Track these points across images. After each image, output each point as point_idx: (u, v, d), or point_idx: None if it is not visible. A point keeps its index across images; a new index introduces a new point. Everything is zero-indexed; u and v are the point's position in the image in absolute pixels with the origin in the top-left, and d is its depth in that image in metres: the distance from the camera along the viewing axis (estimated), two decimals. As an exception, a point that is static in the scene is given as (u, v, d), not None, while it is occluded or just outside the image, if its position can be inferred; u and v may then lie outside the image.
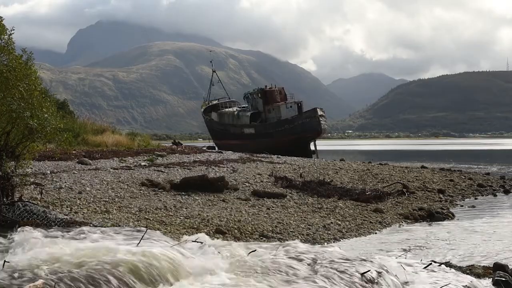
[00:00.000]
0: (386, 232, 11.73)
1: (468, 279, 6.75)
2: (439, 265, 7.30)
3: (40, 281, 4.44)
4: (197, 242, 6.82)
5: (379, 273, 5.91)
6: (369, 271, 5.79)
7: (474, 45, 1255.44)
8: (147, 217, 10.12)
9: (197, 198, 12.82)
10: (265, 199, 13.75)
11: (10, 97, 7.16)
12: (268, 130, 45.70)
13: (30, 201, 8.11)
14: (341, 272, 5.68)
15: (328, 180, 17.88)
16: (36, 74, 7.80)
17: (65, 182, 12.58)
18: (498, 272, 7.31)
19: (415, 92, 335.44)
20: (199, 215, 10.90)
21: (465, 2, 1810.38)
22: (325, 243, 10.02)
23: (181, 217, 10.51)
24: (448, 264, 7.61)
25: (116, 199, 11.48)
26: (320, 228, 11.20)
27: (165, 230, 9.01)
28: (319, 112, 43.18)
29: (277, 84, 52.01)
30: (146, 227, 7.96)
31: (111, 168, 16.23)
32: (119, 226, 8.02)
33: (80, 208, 10.00)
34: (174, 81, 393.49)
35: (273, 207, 12.87)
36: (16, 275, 4.68)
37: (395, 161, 36.42)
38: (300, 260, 6.06)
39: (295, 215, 12.26)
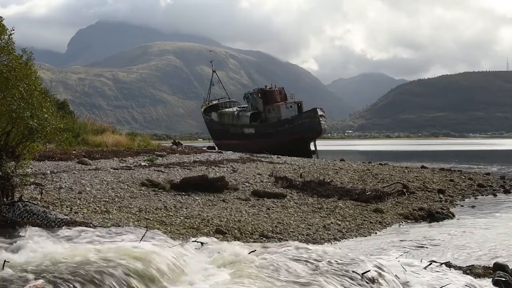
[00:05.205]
0: (386, 232, 11.73)
1: (468, 279, 6.75)
2: (439, 265, 7.31)
3: (40, 281, 4.44)
4: (197, 242, 6.83)
5: (379, 273, 5.91)
6: (369, 271, 5.79)
7: (475, 45, 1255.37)
8: (147, 217, 10.12)
9: (197, 198, 12.82)
10: (265, 199, 13.75)
11: (10, 97, 7.15)
12: (268, 130, 45.68)
13: (30, 201, 8.10)
14: (341, 272, 5.68)
15: (328, 180, 17.87)
16: (36, 74, 7.79)
17: (65, 182, 12.58)
18: (498, 272, 7.31)
19: (415, 92, 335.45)
20: (199, 215, 10.90)
21: (466, 1, 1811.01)
22: (325, 243, 10.03)
23: (181, 217, 10.51)
24: (448, 264, 7.61)
25: (116, 199, 11.48)
26: (320, 228, 11.21)
27: (165, 230, 9.01)
28: (319, 112, 43.16)
29: (277, 84, 51.94)
30: (146, 227, 7.97)
31: (111, 168, 16.22)
32: (119, 226, 8.02)
33: (80, 208, 10.00)
34: (174, 81, 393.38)
35: (273, 207, 12.88)
36: (16, 274, 4.68)
37: (395, 161, 36.43)
38: (300, 260, 6.06)
39: (295, 215, 12.26)
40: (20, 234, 6.33)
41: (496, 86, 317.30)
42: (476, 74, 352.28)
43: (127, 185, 13.45)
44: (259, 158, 25.00)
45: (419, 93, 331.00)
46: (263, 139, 44.39)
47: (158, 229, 8.61)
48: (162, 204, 11.48)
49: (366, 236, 11.16)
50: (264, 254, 6.29)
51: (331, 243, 10.15)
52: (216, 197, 13.19)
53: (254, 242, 9.06)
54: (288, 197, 14.36)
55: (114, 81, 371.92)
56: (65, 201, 10.41)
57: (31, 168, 11.34)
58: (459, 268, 7.66)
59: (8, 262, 4.98)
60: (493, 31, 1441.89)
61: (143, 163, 18.64)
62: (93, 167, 16.38)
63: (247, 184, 15.72)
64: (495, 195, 18.69)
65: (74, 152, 19.76)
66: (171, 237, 7.65)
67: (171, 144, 37.90)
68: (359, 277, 5.64)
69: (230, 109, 51.98)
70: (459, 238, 11.01)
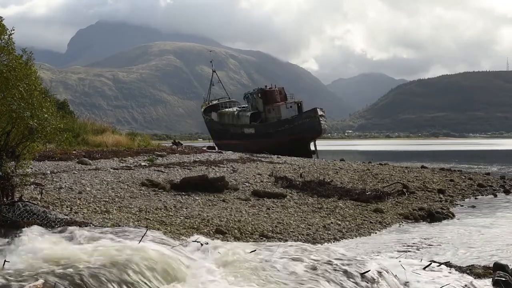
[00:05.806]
0: (386, 232, 11.73)
1: (468, 279, 6.75)
2: (439, 265, 7.31)
3: (40, 281, 4.44)
4: (197, 242, 6.82)
5: (379, 273, 5.92)
6: (369, 271, 5.79)
7: (475, 45, 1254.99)
8: (147, 217, 10.12)
9: (197, 198, 12.83)
10: (265, 199, 13.75)
11: (10, 97, 7.15)
12: (268, 130, 45.69)
13: (30, 201, 8.09)
14: (341, 272, 5.68)
15: (328, 180, 17.87)
16: (36, 74, 7.78)
17: (65, 182, 12.58)
18: (498, 272, 7.31)
19: (415, 92, 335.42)
20: (199, 215, 10.91)
21: (466, 1, 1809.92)
22: (325, 243, 10.03)
23: (181, 217, 10.51)
24: (448, 264, 7.61)
25: (116, 199, 11.48)
26: (320, 228, 11.21)
27: (165, 230, 9.01)
28: (319, 112, 43.18)
29: (277, 84, 51.94)
30: (146, 227, 7.96)
31: (111, 168, 16.22)
32: (119, 226, 8.02)
33: (80, 208, 10.00)
34: (174, 81, 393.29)
35: (273, 207, 12.88)
36: (16, 274, 4.68)
37: (395, 161, 36.43)
38: (300, 260, 6.06)
39: (295, 215, 12.27)
40: (20, 234, 6.32)
41: (496, 86, 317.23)
42: (476, 74, 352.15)
43: (127, 185, 13.45)
44: (259, 158, 25.00)
45: (419, 93, 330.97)
46: (263, 139, 44.40)
47: (158, 229, 8.61)
48: (162, 204, 11.48)
49: (366, 236, 11.16)
50: (264, 254, 6.29)
51: (331, 243, 10.15)
52: (216, 197, 13.19)
53: (254, 242, 9.05)
54: (288, 197, 14.36)
55: (114, 81, 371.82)
56: (65, 201, 10.42)
57: (31, 168, 11.34)
58: (459, 268, 7.66)
59: (8, 261, 4.99)
60: (493, 31, 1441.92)
61: (143, 163, 18.64)
62: (93, 167, 16.38)
63: (247, 184, 15.72)
64: (495, 195, 18.69)
65: (74, 152, 19.76)
66: (171, 237, 7.65)
67: (171, 144, 37.90)
68: (359, 277, 5.64)
69: (230, 109, 51.98)
70: (459, 238, 11.02)
